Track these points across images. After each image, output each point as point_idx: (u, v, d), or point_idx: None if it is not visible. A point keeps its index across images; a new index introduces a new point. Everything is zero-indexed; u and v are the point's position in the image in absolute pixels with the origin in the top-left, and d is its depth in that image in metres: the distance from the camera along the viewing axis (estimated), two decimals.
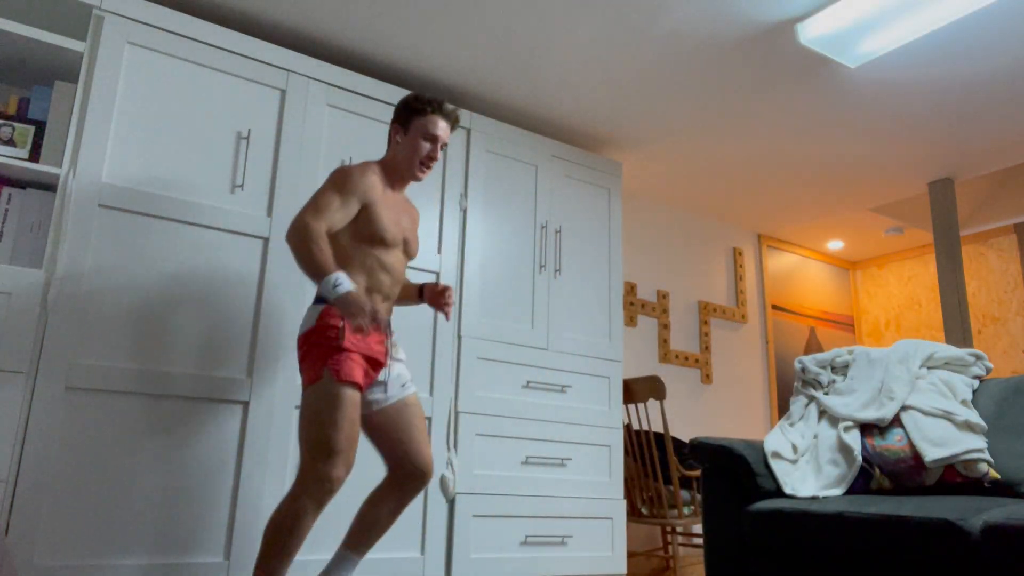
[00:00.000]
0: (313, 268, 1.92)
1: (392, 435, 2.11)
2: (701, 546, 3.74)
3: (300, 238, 1.94)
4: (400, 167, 2.20)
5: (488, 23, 2.77)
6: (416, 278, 2.89)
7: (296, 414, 2.53)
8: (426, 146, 2.18)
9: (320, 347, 1.96)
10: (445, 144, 2.24)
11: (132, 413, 2.25)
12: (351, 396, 1.95)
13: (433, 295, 2.28)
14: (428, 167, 2.21)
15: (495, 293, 3.06)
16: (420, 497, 2.71)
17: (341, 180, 2.05)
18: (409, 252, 2.23)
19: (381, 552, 2.59)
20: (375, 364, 2.09)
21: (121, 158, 2.37)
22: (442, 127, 2.20)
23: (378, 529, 2.09)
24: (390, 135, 2.23)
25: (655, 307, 4.35)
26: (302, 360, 2.01)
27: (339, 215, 2.02)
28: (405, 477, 2.10)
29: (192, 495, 2.30)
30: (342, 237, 2.08)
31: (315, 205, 1.99)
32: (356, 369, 1.97)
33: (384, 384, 2.13)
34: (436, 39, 2.88)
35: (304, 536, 1.89)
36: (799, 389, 2.60)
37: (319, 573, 2.11)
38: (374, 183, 2.11)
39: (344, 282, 1.90)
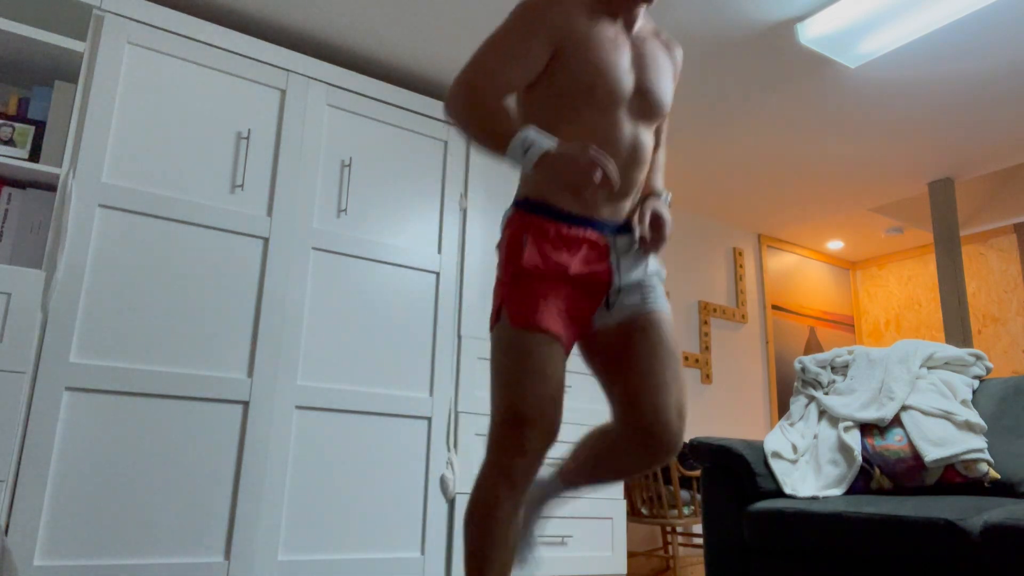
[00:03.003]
0: (487, 137, 1.37)
1: (618, 369, 1.47)
2: (701, 546, 3.74)
3: (459, 105, 1.41)
4: None
5: (488, 23, 2.77)
6: (415, 278, 2.88)
7: (297, 414, 2.53)
8: None
9: (501, 271, 1.46)
10: None
11: (132, 413, 2.25)
12: (537, 345, 1.39)
13: (652, 222, 1.53)
14: None
15: None
16: (419, 497, 2.71)
17: (516, 16, 1.45)
18: (648, 109, 1.50)
19: (381, 552, 2.59)
20: (592, 287, 1.47)
21: (121, 158, 2.37)
22: None
23: (593, 472, 1.53)
24: None
25: None
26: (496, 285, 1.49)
27: (517, 68, 1.42)
28: (632, 437, 1.44)
29: (192, 495, 2.30)
30: (529, 103, 1.50)
31: (478, 58, 1.43)
32: (540, 308, 1.40)
33: (608, 302, 1.49)
34: (436, 39, 2.88)
35: (506, 533, 1.39)
36: (799, 389, 2.60)
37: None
38: (569, 12, 1.45)
39: (538, 139, 1.32)
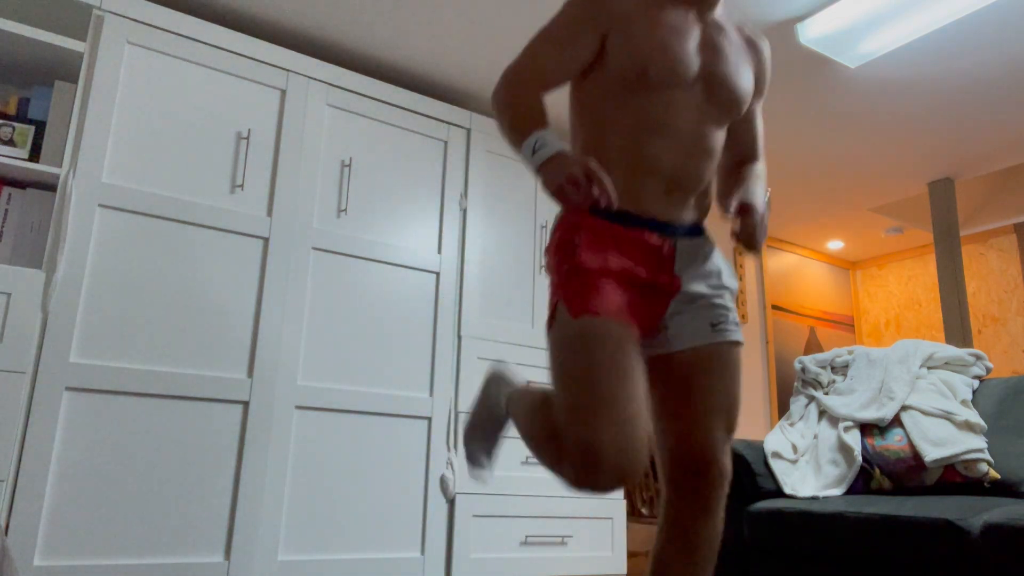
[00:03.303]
0: (511, 131, 1.30)
1: (671, 407, 1.33)
2: None
3: (499, 96, 1.35)
4: None
5: (488, 23, 2.77)
6: (414, 279, 2.88)
7: (297, 414, 2.53)
8: None
9: (555, 275, 1.34)
10: None
11: (132, 413, 2.25)
12: (603, 333, 1.22)
13: (740, 214, 1.38)
14: None
15: (495, 293, 3.06)
16: (419, 497, 2.71)
17: (568, 3, 1.39)
18: (717, 99, 1.37)
19: (381, 552, 2.59)
20: (652, 298, 1.33)
21: (121, 158, 2.37)
22: None
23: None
24: None
25: None
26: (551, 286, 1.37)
27: (562, 58, 1.34)
28: (675, 480, 1.32)
29: (192, 495, 2.30)
30: (581, 95, 1.40)
31: (525, 49, 1.37)
32: (604, 294, 1.26)
33: (663, 323, 1.34)
34: (436, 39, 2.88)
35: (551, 468, 1.24)
36: (799, 389, 2.60)
37: None
38: None
39: (551, 141, 1.24)
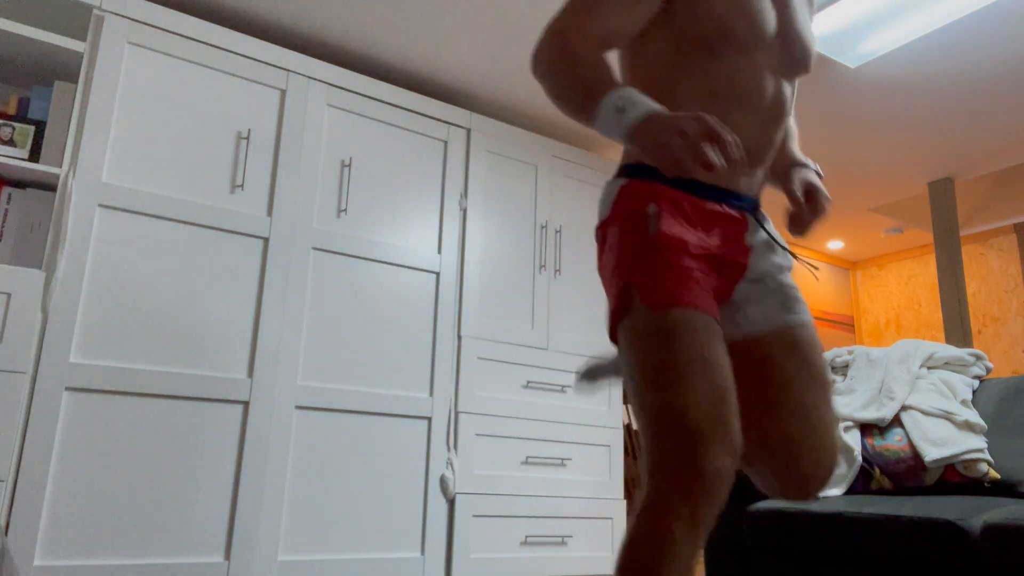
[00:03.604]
0: (575, 93, 1.08)
1: (753, 398, 1.20)
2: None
3: (546, 56, 1.11)
4: None
5: (488, 23, 2.77)
6: (414, 279, 2.88)
7: (297, 414, 2.53)
8: None
9: (621, 253, 1.14)
10: None
11: (132, 413, 2.25)
12: (691, 326, 1.07)
13: (807, 195, 1.29)
14: None
15: (495, 293, 3.06)
16: (419, 497, 2.71)
17: None
18: (793, 58, 1.23)
19: (381, 552, 2.59)
20: (727, 268, 1.20)
21: (121, 158, 2.37)
22: None
23: None
24: None
25: None
26: (600, 274, 1.21)
27: (622, 13, 1.13)
28: (779, 485, 1.19)
29: (192, 495, 2.30)
30: (637, 62, 1.22)
31: (574, 2, 1.13)
32: (689, 279, 1.10)
33: (734, 302, 1.22)
34: (436, 39, 2.88)
35: (688, 565, 0.99)
36: None
37: None
38: None
39: (637, 100, 1.03)
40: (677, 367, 1.03)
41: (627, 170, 1.20)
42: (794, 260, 1.27)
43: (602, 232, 1.20)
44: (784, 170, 1.34)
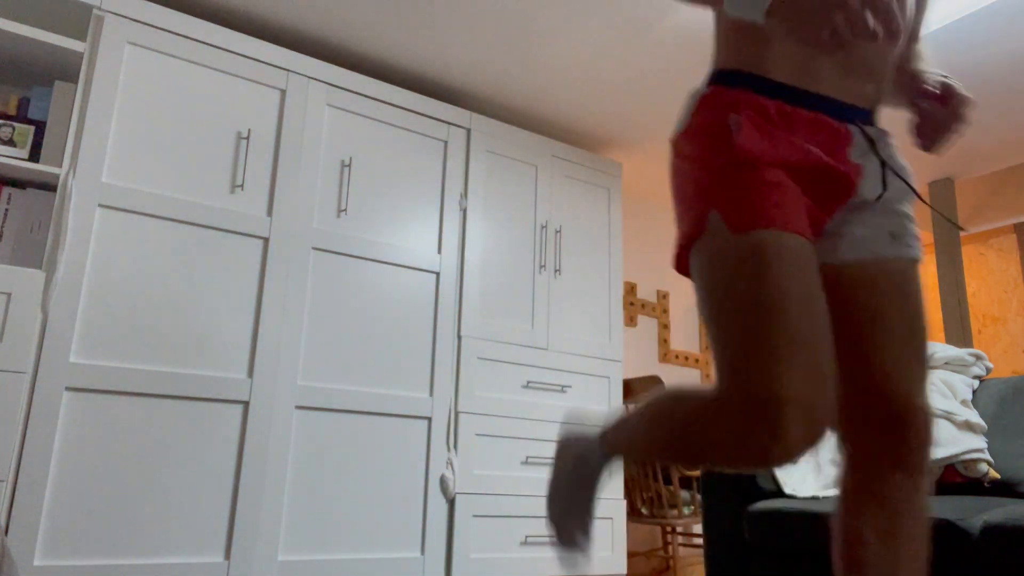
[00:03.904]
0: None
1: (849, 333, 1.06)
2: (701, 546, 3.74)
3: None
4: None
5: (488, 23, 2.77)
6: (414, 279, 2.88)
7: (297, 414, 2.53)
8: None
9: (698, 169, 1.03)
10: None
11: (132, 413, 2.25)
12: (783, 251, 0.93)
13: (943, 96, 1.11)
14: None
15: (495, 293, 3.06)
16: (419, 497, 2.71)
17: None
18: None
19: (381, 552, 2.59)
20: (826, 186, 1.03)
21: (121, 158, 2.37)
22: None
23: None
24: None
25: (655, 307, 4.35)
26: (673, 197, 1.09)
27: None
28: (871, 423, 1.04)
29: (192, 495, 2.30)
30: None
31: None
32: (778, 197, 0.97)
33: (833, 226, 1.07)
34: (436, 39, 2.89)
35: (700, 455, 0.94)
36: None
37: None
38: None
39: None
40: (764, 304, 0.89)
41: (713, 77, 1.08)
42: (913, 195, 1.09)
43: (677, 146, 1.08)
44: (909, 79, 1.16)
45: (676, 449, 0.98)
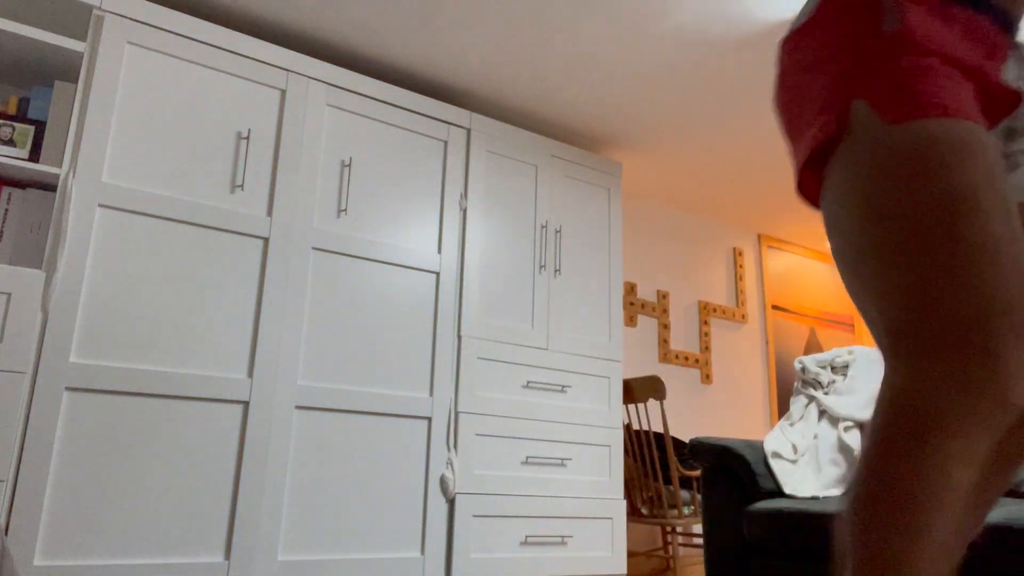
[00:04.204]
0: None
1: None
2: (701, 546, 3.74)
3: None
4: None
5: (488, 23, 2.77)
6: (414, 278, 2.88)
7: (297, 414, 2.53)
8: None
9: (833, 54, 0.83)
10: None
11: (132, 413, 2.25)
12: (969, 145, 0.72)
13: None
14: None
15: (495, 293, 3.06)
16: (419, 497, 2.71)
17: None
18: None
19: (381, 552, 2.59)
20: (987, 96, 0.82)
21: (121, 158, 2.37)
22: None
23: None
24: None
25: (655, 307, 4.35)
26: (786, 109, 0.90)
27: None
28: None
29: (192, 495, 2.30)
30: None
31: None
32: (955, 89, 0.76)
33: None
34: (436, 39, 2.89)
35: (954, 504, 0.68)
36: (799, 389, 2.60)
37: None
38: None
39: None
40: (954, 207, 0.67)
41: None
42: None
43: (799, 40, 0.87)
44: None
45: (905, 490, 0.69)
